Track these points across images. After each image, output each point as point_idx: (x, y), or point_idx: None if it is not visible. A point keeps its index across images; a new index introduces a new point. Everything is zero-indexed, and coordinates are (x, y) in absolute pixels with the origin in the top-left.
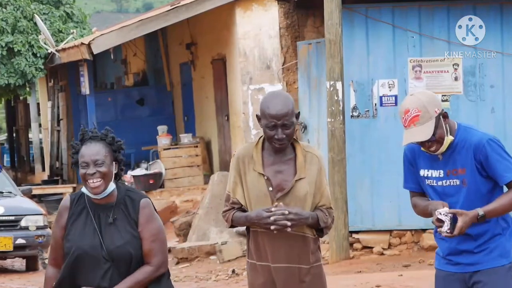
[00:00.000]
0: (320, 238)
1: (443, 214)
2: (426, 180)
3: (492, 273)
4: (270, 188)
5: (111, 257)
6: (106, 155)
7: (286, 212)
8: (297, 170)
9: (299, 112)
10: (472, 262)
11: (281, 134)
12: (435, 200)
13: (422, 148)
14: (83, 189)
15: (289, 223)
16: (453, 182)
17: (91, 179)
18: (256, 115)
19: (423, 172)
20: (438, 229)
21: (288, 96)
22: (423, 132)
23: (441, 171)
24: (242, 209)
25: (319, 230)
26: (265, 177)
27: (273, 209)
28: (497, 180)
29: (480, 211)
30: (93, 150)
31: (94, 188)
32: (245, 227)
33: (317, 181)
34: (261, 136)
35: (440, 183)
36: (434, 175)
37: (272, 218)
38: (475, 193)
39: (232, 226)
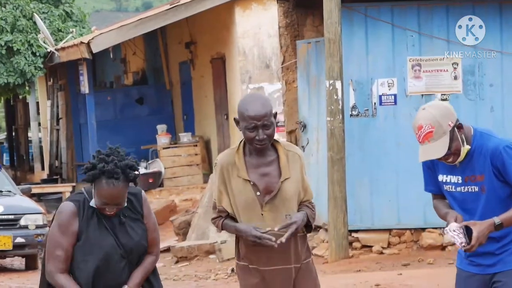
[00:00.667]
0: (308, 235)
1: (452, 231)
2: (445, 185)
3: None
4: (258, 193)
5: (128, 254)
6: (125, 191)
7: (276, 229)
8: (282, 170)
9: (276, 112)
10: (493, 263)
11: (262, 135)
12: (455, 206)
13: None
14: (92, 202)
15: (284, 239)
16: (472, 188)
17: (109, 213)
18: (234, 119)
19: (441, 178)
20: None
21: (265, 97)
22: (438, 149)
23: (459, 177)
24: (230, 216)
25: (308, 226)
26: (251, 183)
27: (262, 231)
28: None
29: (497, 219)
30: (115, 194)
31: (110, 215)
32: None
33: (301, 177)
34: (241, 141)
35: (458, 189)
36: (452, 181)
37: (277, 241)
38: (494, 199)
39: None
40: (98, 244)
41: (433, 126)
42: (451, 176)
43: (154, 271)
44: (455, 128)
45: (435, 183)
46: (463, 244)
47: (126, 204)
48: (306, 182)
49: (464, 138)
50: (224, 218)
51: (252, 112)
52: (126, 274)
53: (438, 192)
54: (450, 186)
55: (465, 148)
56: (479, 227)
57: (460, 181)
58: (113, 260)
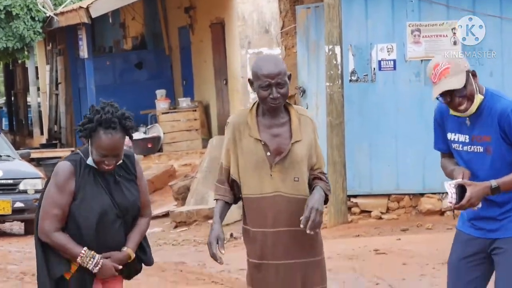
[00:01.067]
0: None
1: (450, 185)
2: (453, 144)
3: None
4: (268, 153)
5: (124, 214)
6: (123, 142)
7: (302, 225)
8: (293, 133)
9: (290, 74)
10: (494, 228)
11: (276, 93)
12: (462, 165)
13: (451, 112)
14: (89, 161)
15: (308, 231)
16: (477, 148)
17: (107, 166)
18: (248, 80)
19: (450, 136)
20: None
21: (278, 57)
22: (454, 83)
23: (467, 136)
24: (229, 190)
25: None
26: (262, 143)
27: (221, 249)
28: None
29: (494, 182)
30: (113, 143)
31: (108, 169)
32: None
33: (313, 143)
34: (255, 102)
35: (465, 148)
36: (460, 140)
37: (307, 231)
38: (500, 161)
39: None
40: (94, 202)
41: (449, 63)
42: (459, 135)
43: (145, 237)
44: (470, 74)
45: (444, 141)
46: (450, 203)
47: (121, 163)
48: (319, 148)
49: (478, 87)
50: (220, 198)
51: (266, 71)
52: (122, 235)
53: (446, 150)
54: (458, 145)
55: (479, 97)
56: (473, 188)
57: (467, 140)
58: (109, 219)
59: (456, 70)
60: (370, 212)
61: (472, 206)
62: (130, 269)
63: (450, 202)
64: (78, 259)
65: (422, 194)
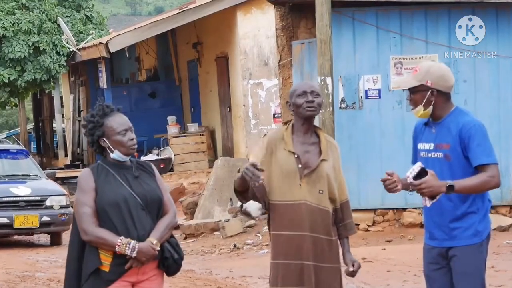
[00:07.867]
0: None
1: (418, 164)
2: (421, 152)
3: (465, 250)
4: (299, 165)
5: (146, 204)
6: None
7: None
8: (322, 152)
9: (323, 100)
10: (448, 237)
11: (311, 97)
12: None
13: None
14: (113, 155)
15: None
16: (438, 154)
17: (132, 142)
18: (287, 102)
19: (419, 146)
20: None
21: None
22: (407, 82)
23: (432, 144)
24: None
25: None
26: (295, 155)
27: (260, 175)
28: (471, 160)
29: (450, 182)
30: (124, 119)
31: (134, 147)
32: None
33: (336, 167)
34: (290, 123)
35: (430, 155)
36: (426, 148)
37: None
38: (460, 170)
39: (238, 192)
40: (115, 193)
41: (419, 70)
42: (426, 143)
43: (177, 244)
44: (431, 90)
45: (416, 157)
46: (408, 178)
47: (139, 166)
48: (341, 174)
49: (431, 103)
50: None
51: (302, 85)
52: (150, 226)
53: None
54: (424, 153)
55: (420, 109)
56: (432, 177)
57: (432, 148)
58: (132, 208)
59: (417, 78)
60: (358, 224)
61: (421, 190)
62: (166, 263)
63: (408, 177)
64: (117, 248)
65: (404, 209)
